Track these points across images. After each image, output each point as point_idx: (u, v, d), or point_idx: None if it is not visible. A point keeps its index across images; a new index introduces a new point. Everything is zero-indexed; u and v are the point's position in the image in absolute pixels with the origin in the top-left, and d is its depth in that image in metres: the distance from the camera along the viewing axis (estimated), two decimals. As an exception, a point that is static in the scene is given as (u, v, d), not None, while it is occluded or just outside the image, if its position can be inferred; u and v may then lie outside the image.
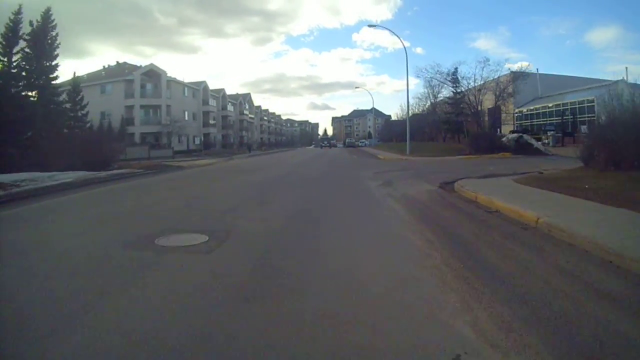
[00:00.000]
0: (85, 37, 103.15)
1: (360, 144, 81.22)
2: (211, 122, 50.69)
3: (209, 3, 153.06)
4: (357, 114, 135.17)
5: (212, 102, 52.77)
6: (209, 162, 25.49)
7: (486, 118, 29.68)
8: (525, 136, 24.66)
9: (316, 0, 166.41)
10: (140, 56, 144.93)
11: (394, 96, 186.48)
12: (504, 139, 23.96)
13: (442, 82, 27.96)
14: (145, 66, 43.42)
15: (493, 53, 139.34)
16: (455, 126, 32.38)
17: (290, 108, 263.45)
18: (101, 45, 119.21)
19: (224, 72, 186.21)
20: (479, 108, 26.32)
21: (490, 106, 31.45)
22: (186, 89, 48.08)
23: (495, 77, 27.81)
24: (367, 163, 21.29)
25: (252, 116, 76.58)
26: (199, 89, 50.66)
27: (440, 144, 33.85)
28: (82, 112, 26.83)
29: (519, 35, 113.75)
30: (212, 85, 57.06)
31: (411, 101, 48.10)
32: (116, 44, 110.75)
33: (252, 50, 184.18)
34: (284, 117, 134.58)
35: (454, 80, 29.90)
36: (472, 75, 25.91)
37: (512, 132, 27.08)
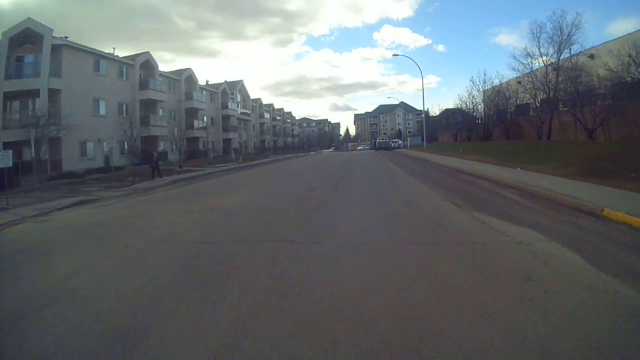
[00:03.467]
0: (104, 44, 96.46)
1: (394, 145, 59.44)
2: (156, 121, 30.43)
3: (227, 5, 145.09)
4: (384, 109, 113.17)
5: (158, 86, 32.34)
6: None
7: None
8: None
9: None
10: (160, 62, 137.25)
11: (416, 95, 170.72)
12: None
13: None
14: (19, 24, 23.66)
15: (515, 48, 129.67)
16: None
17: (312, 110, 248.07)
18: (120, 52, 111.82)
19: (245, 76, 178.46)
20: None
21: None
22: (104, 63, 27.95)
23: None
24: None
25: (248, 112, 56.22)
26: (134, 65, 30.51)
27: None
28: None
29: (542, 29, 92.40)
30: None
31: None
32: (135, 50, 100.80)
33: (272, 53, 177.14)
34: (305, 119, 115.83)
35: None
36: None
37: None
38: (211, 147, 43.65)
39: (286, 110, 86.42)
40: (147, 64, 32.07)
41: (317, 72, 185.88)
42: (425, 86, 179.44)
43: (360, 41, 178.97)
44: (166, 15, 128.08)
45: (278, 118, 74.86)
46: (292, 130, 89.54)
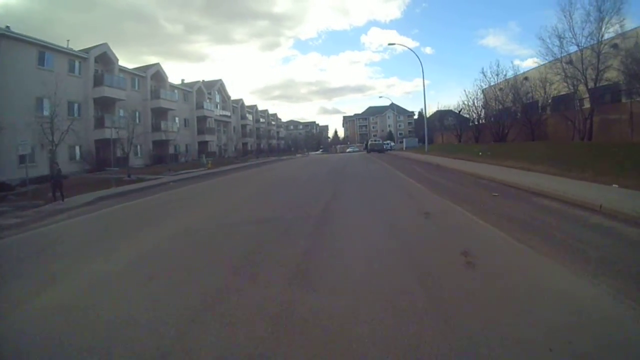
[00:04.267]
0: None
1: (386, 147, 56.16)
2: (113, 122, 26.36)
3: (215, 8, 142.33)
4: (374, 111, 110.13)
5: (116, 82, 28.26)
6: None
7: None
8: None
9: (324, 0, 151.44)
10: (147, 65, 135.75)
11: (405, 98, 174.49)
12: None
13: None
14: None
15: (502, 50, 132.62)
16: None
17: (300, 114, 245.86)
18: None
19: (232, 80, 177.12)
20: None
21: None
22: (50, 55, 23.99)
23: None
24: None
25: (227, 113, 52.36)
26: (87, 58, 26.52)
27: None
28: None
29: (530, 30, 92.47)
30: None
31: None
32: (122, 54, 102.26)
33: (260, 56, 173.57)
34: (292, 121, 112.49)
35: None
36: None
37: None
38: (184, 150, 39.77)
39: (272, 113, 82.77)
40: (103, 57, 28.10)
41: (305, 76, 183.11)
42: (414, 88, 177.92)
43: (347, 44, 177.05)
44: (153, 18, 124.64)
45: (262, 120, 71.05)
46: (278, 132, 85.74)
